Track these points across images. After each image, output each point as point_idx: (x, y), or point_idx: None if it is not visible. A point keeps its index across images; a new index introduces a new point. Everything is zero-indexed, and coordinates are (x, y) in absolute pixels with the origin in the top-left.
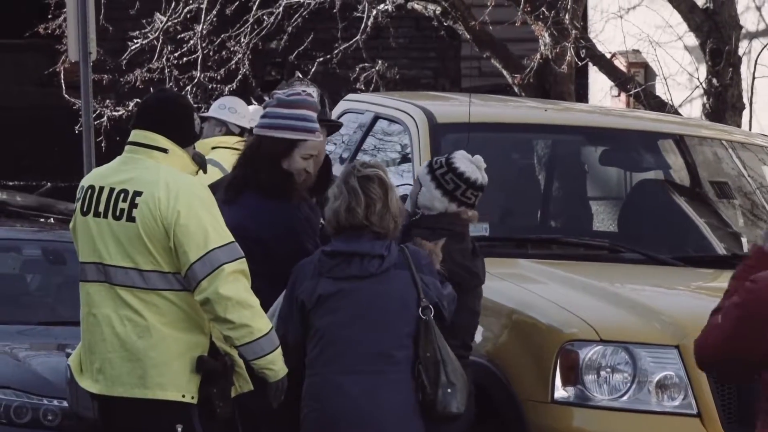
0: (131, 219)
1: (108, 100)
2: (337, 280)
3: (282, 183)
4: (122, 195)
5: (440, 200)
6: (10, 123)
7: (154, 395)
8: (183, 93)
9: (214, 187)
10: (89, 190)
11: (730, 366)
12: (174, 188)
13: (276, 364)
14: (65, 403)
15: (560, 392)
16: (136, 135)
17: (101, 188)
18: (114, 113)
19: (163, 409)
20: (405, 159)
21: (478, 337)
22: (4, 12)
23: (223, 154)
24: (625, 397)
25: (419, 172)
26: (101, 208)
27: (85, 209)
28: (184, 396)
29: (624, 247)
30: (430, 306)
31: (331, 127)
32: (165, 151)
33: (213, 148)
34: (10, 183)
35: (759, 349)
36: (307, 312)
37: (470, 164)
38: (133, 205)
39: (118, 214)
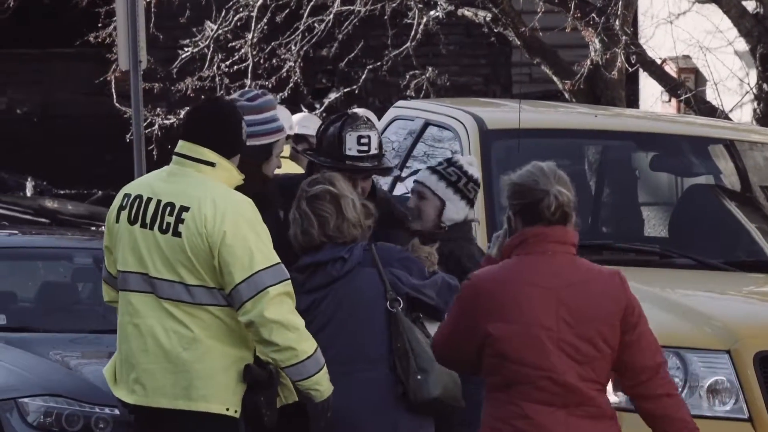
0: (177, 234)
1: (159, 109)
2: (309, 293)
3: (265, 190)
4: (169, 208)
5: (464, 209)
6: (61, 132)
7: (198, 407)
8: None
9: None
10: (137, 200)
11: (458, 357)
12: (221, 207)
13: (321, 385)
14: (117, 411)
15: (612, 398)
16: (182, 147)
17: (149, 199)
18: (165, 122)
19: (207, 422)
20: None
21: None
22: (55, 21)
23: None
24: None
25: (436, 189)
26: (148, 220)
27: (132, 218)
28: (228, 409)
29: (675, 253)
30: (398, 298)
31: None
32: (212, 165)
33: None
34: (62, 192)
35: (475, 341)
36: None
37: (471, 166)
38: (179, 220)
39: (164, 227)
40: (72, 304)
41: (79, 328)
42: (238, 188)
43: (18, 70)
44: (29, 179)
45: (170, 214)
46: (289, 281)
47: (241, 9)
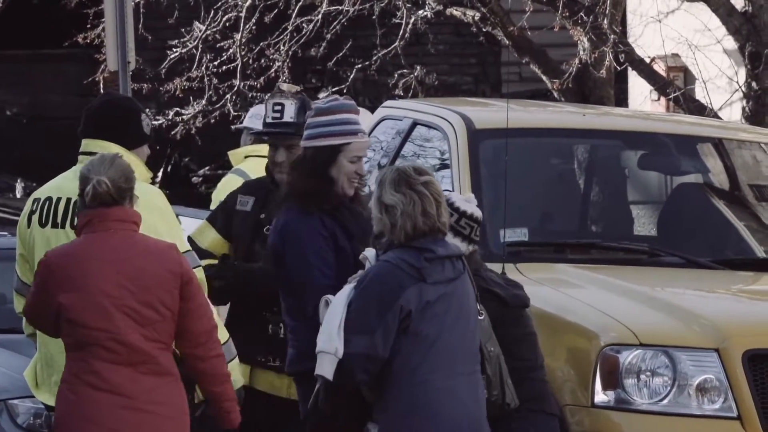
0: None
1: (148, 109)
2: (437, 285)
3: (318, 191)
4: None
5: (461, 245)
6: (50, 133)
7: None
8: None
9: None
10: (47, 202)
11: (41, 323)
12: (144, 193)
13: (232, 374)
14: None
15: (600, 396)
16: (86, 145)
17: (59, 199)
18: (154, 122)
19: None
20: (444, 165)
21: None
22: (43, 22)
23: (254, 163)
24: (665, 401)
25: None
26: (59, 219)
27: (43, 221)
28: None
29: (663, 251)
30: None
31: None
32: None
33: (246, 157)
34: None
35: (51, 310)
36: (411, 320)
37: (468, 203)
38: None
39: (76, 223)
40: None
41: None
42: (308, 192)
43: (6, 71)
44: (19, 180)
45: None
46: (201, 268)
47: (229, 9)
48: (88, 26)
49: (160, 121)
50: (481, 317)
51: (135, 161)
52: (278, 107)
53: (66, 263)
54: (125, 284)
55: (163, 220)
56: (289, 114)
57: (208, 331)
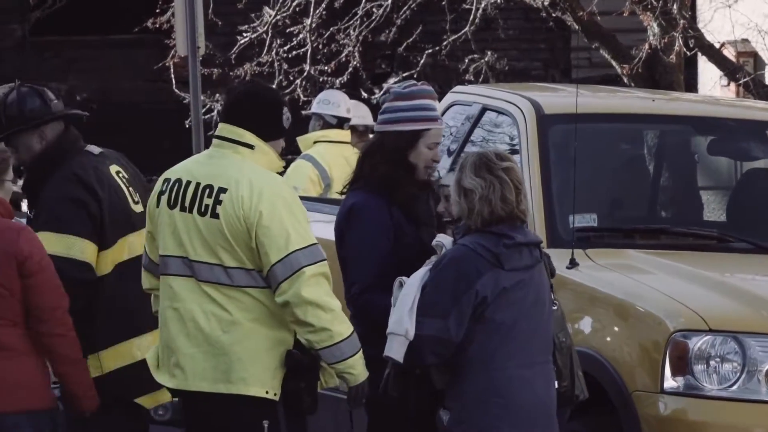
0: (215, 216)
1: (218, 95)
2: (514, 271)
3: (395, 177)
4: (207, 191)
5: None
6: (120, 118)
7: (238, 390)
8: (275, 87)
9: None
10: (176, 184)
11: None
12: (257, 187)
13: (356, 369)
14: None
15: (670, 382)
16: (222, 129)
17: (188, 182)
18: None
19: (246, 405)
20: (513, 151)
21: (587, 328)
22: (113, 8)
23: (323, 148)
24: (734, 387)
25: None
26: (187, 203)
27: (171, 202)
28: (267, 392)
29: (733, 237)
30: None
31: None
32: (251, 147)
33: (315, 142)
34: None
35: None
36: (486, 306)
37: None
38: (217, 201)
39: (203, 210)
40: None
41: None
42: (368, 175)
43: (77, 57)
44: None
45: (209, 196)
46: (325, 262)
47: None
48: (158, 11)
49: None
50: (555, 307)
51: (267, 151)
52: None
53: None
54: None
55: (287, 212)
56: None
57: (51, 308)
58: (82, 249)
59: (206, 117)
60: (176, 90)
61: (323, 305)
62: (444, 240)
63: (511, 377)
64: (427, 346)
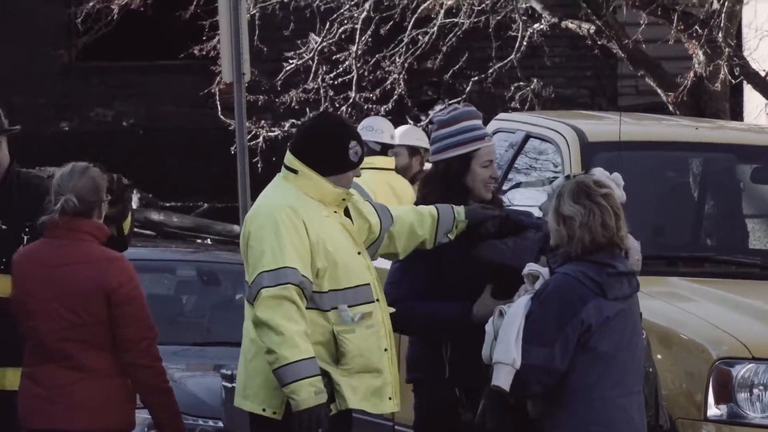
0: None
1: (264, 121)
2: (616, 301)
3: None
4: None
5: None
6: (167, 144)
7: (243, 406)
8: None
9: None
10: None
11: None
12: (256, 208)
13: (298, 395)
14: (220, 423)
15: (713, 410)
16: (288, 159)
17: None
18: (270, 134)
19: (254, 421)
20: (557, 178)
21: None
22: (159, 34)
23: (367, 175)
24: None
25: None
26: None
27: None
28: (264, 410)
29: None
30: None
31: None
32: (295, 172)
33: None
34: (167, 204)
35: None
36: (591, 335)
37: (611, 182)
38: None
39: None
40: (175, 317)
41: (183, 341)
42: (426, 202)
43: (124, 83)
44: (135, 191)
45: None
46: (290, 286)
47: (345, 21)
48: (204, 38)
49: (276, 133)
50: (643, 336)
51: (312, 177)
52: None
53: (18, 262)
54: (52, 289)
55: (273, 233)
56: None
57: (136, 340)
58: None
59: (251, 143)
60: (221, 116)
61: (274, 327)
62: (540, 269)
63: (614, 407)
64: (534, 376)
